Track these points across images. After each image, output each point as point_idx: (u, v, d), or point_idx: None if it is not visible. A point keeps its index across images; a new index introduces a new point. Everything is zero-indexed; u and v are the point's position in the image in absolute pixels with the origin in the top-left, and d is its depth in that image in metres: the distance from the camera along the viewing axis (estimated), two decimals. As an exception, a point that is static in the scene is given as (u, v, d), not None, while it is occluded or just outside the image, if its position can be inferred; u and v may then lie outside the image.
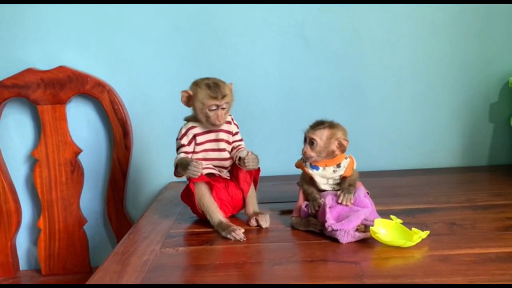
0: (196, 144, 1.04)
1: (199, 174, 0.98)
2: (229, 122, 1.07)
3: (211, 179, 1.03)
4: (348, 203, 0.93)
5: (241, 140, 1.08)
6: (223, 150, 1.05)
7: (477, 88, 1.41)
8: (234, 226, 0.97)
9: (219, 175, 1.06)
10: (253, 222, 1.03)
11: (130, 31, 1.40)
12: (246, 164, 1.00)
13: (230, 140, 1.06)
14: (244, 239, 0.95)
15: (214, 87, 1.01)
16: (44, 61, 1.40)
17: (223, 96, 1.00)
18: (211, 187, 1.02)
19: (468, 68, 1.40)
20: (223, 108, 1.01)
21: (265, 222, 1.02)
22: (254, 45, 1.40)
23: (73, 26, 1.39)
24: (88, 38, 1.40)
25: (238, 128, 1.08)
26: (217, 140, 1.05)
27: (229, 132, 1.06)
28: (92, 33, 1.40)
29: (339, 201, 0.94)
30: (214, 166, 1.05)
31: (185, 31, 1.40)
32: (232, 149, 1.07)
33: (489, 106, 1.42)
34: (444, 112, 1.43)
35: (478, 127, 1.44)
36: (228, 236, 0.96)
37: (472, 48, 1.39)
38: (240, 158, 1.02)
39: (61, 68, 1.38)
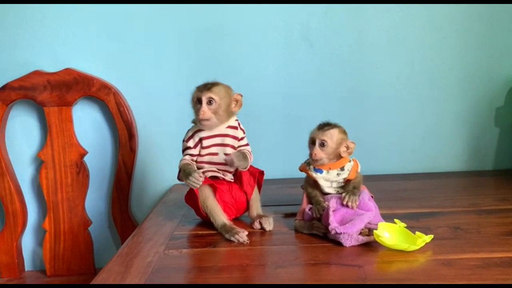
0: (202, 148, 1.04)
1: (198, 186, 0.99)
2: (235, 127, 1.06)
3: (214, 182, 1.03)
4: (353, 204, 0.93)
5: (247, 145, 1.07)
6: (229, 155, 1.03)
7: (482, 92, 1.41)
8: (238, 229, 0.97)
9: (223, 178, 1.06)
10: (256, 225, 1.03)
11: (136, 33, 1.41)
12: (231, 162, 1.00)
13: (236, 146, 1.06)
14: (248, 242, 0.95)
15: (204, 83, 1.01)
16: (50, 64, 1.41)
17: (207, 89, 0.99)
18: (214, 190, 1.02)
19: (473, 72, 1.40)
20: (209, 104, 1.00)
21: (268, 225, 1.02)
22: (259, 47, 1.40)
23: (79, 29, 1.41)
24: (95, 41, 1.41)
25: (244, 133, 1.07)
26: (223, 145, 1.04)
27: (235, 138, 1.05)
28: (99, 36, 1.41)
29: (344, 202, 0.93)
30: (219, 169, 1.05)
31: (191, 34, 1.40)
32: None
33: (494, 110, 1.42)
34: (449, 116, 1.43)
35: (483, 131, 1.43)
36: (232, 238, 0.96)
37: (477, 52, 1.38)
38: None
39: (67, 71, 1.39)
